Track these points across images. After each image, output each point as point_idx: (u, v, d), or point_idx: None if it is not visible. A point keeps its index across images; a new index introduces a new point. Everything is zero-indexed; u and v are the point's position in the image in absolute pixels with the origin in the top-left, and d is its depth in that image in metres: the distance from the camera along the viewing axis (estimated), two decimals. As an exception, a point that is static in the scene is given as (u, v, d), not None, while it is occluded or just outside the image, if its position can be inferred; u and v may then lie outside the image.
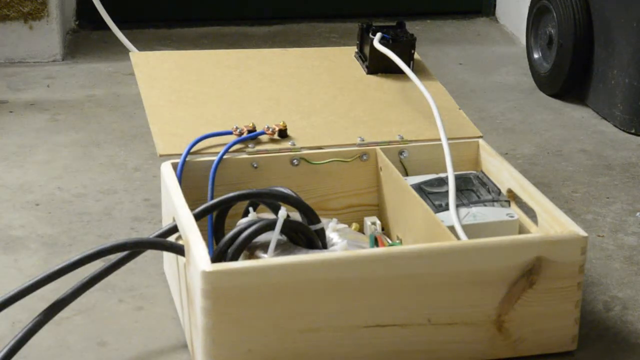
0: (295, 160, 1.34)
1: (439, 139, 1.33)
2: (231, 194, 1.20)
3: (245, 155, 1.32)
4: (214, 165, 1.29)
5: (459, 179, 1.33)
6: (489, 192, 1.32)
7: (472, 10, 2.59)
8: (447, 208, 1.27)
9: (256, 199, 1.23)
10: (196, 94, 1.44)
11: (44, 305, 1.13)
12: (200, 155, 1.31)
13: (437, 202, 1.28)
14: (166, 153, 1.30)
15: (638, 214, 1.56)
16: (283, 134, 1.35)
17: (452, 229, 1.20)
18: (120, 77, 2.11)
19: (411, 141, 1.38)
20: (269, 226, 1.16)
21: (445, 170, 1.32)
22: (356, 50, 1.58)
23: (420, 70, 1.53)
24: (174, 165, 1.28)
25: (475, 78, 2.16)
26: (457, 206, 1.27)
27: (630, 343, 1.22)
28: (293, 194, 1.22)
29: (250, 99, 1.44)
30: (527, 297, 1.14)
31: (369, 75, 1.51)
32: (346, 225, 1.30)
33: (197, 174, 1.29)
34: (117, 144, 1.78)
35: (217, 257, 1.15)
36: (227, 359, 1.09)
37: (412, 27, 2.42)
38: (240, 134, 1.33)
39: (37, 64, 2.18)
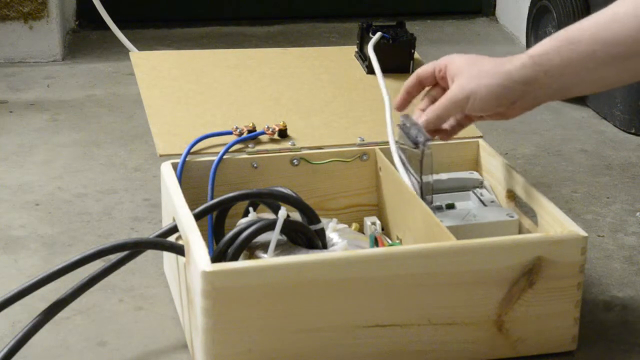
0: (295, 160, 1.34)
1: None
2: (231, 194, 1.20)
3: (245, 155, 1.32)
4: (214, 165, 1.29)
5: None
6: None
7: (472, 10, 2.60)
8: (446, 208, 1.27)
9: (256, 199, 1.23)
10: (196, 94, 1.44)
11: (44, 305, 1.13)
12: (200, 155, 1.31)
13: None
14: (166, 153, 1.30)
15: (638, 214, 1.56)
16: (283, 134, 1.35)
17: (452, 228, 1.20)
18: (120, 77, 2.11)
19: (411, 141, 1.37)
20: (269, 226, 1.16)
21: (445, 171, 1.32)
22: (356, 50, 1.58)
23: (420, 70, 1.53)
24: (174, 165, 1.28)
25: (475, 78, 2.16)
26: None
27: (630, 343, 1.22)
28: (293, 194, 1.22)
29: (250, 99, 1.44)
30: (527, 297, 1.14)
31: (369, 75, 1.51)
32: (346, 225, 1.30)
33: (197, 174, 1.29)
34: (117, 144, 1.78)
35: (217, 257, 1.15)
36: (227, 359, 1.09)
37: (412, 27, 2.42)
38: (240, 134, 1.33)
39: (37, 64, 2.18)
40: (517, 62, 1.14)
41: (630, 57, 1.09)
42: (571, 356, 1.19)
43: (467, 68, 1.16)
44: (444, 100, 1.18)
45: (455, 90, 1.16)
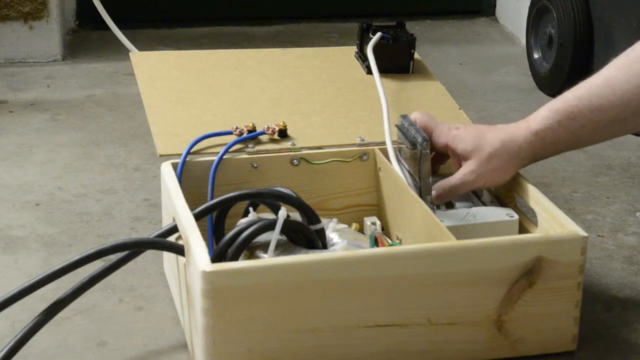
0: (295, 160, 1.34)
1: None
2: (231, 194, 1.20)
3: (245, 155, 1.32)
4: (214, 165, 1.29)
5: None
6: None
7: (472, 10, 2.60)
8: (446, 208, 1.27)
9: (256, 199, 1.23)
10: (196, 94, 1.44)
11: (44, 305, 1.13)
12: (200, 155, 1.31)
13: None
14: (166, 153, 1.30)
15: (638, 214, 1.56)
16: (283, 134, 1.35)
17: (451, 228, 1.20)
18: (120, 77, 2.11)
19: (411, 141, 1.37)
20: (269, 226, 1.16)
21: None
22: (356, 50, 1.58)
23: (420, 70, 1.53)
24: (174, 165, 1.28)
25: (475, 78, 2.17)
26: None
27: (630, 343, 1.22)
28: (293, 194, 1.21)
29: (250, 99, 1.44)
30: (527, 297, 1.14)
31: (369, 76, 1.51)
32: (346, 225, 1.30)
33: (197, 174, 1.29)
34: (117, 144, 1.78)
35: (217, 257, 1.15)
36: (227, 358, 1.09)
37: (412, 27, 2.42)
38: (240, 134, 1.33)
39: (37, 64, 2.18)
40: (522, 140, 1.23)
41: (625, 118, 1.20)
42: (571, 356, 1.19)
43: (476, 153, 1.24)
44: (457, 182, 1.25)
45: (470, 177, 1.24)
